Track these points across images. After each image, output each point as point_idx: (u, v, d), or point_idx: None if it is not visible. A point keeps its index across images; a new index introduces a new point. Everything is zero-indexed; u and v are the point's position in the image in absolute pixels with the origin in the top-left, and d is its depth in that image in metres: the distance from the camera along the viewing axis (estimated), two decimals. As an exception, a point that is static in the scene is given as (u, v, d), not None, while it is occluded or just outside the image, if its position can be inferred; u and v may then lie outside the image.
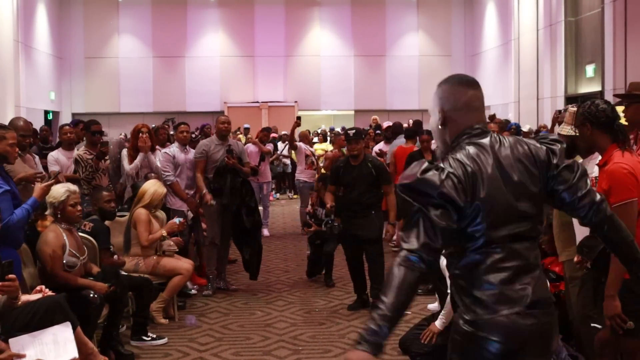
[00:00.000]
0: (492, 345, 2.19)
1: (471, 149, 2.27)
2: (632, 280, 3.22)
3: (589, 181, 2.36)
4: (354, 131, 6.41)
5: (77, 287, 4.67)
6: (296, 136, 11.38)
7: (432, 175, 2.18)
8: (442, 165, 2.22)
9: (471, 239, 2.23)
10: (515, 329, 2.19)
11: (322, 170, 10.30)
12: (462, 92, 2.35)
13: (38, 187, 4.54)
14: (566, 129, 3.90)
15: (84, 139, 7.51)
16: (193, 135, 9.16)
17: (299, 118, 10.58)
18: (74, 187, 4.97)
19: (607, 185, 3.34)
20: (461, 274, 2.29)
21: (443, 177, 2.17)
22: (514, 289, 2.21)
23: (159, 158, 7.12)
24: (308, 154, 10.79)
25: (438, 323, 4.36)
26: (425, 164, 2.23)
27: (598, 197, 2.35)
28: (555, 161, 2.31)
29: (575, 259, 3.72)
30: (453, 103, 2.35)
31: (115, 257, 5.49)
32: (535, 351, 2.24)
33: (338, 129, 17.78)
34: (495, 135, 2.34)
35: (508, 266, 2.22)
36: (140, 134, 6.96)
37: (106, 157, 7.04)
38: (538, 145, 2.33)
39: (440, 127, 2.38)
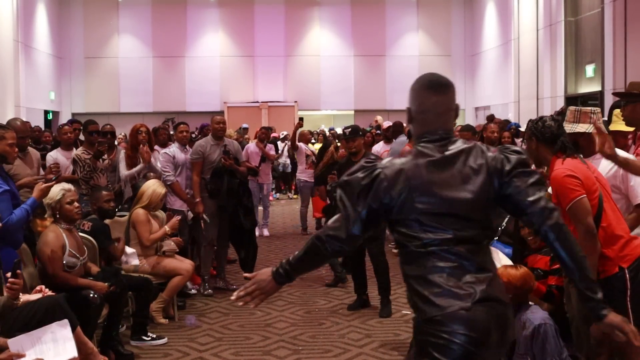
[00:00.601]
0: (458, 337, 2.24)
1: (417, 153, 2.40)
2: (615, 278, 3.37)
3: (543, 191, 2.38)
4: (350, 129, 6.38)
5: (77, 287, 4.67)
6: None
7: (361, 172, 2.38)
8: (377, 163, 2.40)
9: (411, 239, 2.35)
10: (475, 320, 2.25)
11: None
12: (426, 97, 2.43)
13: (37, 187, 4.54)
14: (568, 127, 3.90)
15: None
16: (193, 135, 9.15)
17: (301, 119, 10.63)
18: (68, 185, 4.97)
19: (554, 193, 3.48)
20: (409, 274, 2.39)
21: (373, 175, 2.36)
22: (458, 288, 2.28)
23: (158, 158, 7.11)
24: (309, 154, 10.84)
25: None
26: (361, 162, 2.43)
27: (550, 205, 2.37)
28: (507, 168, 2.36)
29: (557, 265, 3.83)
30: (417, 106, 2.45)
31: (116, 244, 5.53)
32: (495, 342, 2.31)
33: (338, 129, 17.80)
34: (459, 142, 2.42)
35: (450, 267, 2.30)
36: (139, 134, 6.98)
37: (104, 157, 7.03)
38: (497, 155, 2.39)
39: (408, 124, 2.53)
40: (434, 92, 2.43)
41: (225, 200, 6.80)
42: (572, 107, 3.92)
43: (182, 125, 7.33)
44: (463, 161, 2.37)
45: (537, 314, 3.73)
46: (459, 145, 2.40)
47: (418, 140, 2.45)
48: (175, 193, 6.93)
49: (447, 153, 2.38)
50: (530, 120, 3.78)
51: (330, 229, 2.46)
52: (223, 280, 7.14)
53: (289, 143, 12.47)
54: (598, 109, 3.88)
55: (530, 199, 2.33)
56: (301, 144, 11.04)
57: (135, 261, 5.78)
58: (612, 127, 4.50)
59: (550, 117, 3.70)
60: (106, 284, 4.80)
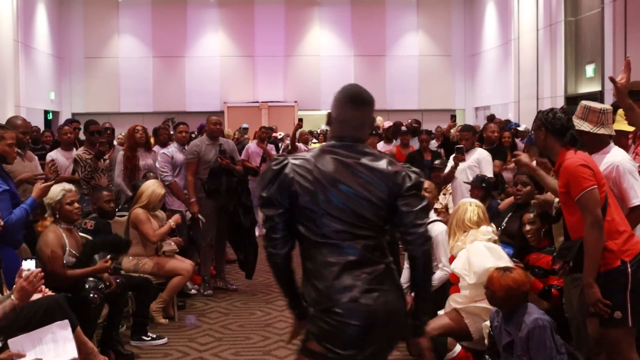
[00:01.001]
0: (348, 327, 2.50)
1: (314, 155, 2.65)
2: (618, 271, 3.44)
3: (426, 219, 2.65)
4: None
5: (81, 279, 4.69)
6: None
7: (263, 174, 2.66)
8: (288, 157, 2.65)
9: (310, 231, 2.59)
10: (363, 310, 2.50)
11: None
12: (346, 109, 2.69)
13: (37, 187, 4.54)
14: (575, 122, 3.92)
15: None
16: (192, 135, 9.16)
17: (300, 120, 10.67)
18: (69, 186, 4.97)
19: (565, 181, 3.53)
20: (306, 266, 2.63)
21: (281, 166, 2.61)
22: (345, 281, 2.52)
23: (157, 158, 7.12)
24: None
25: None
26: (272, 160, 2.69)
27: (428, 234, 2.61)
28: (406, 185, 2.59)
29: (556, 266, 3.81)
30: (337, 115, 2.71)
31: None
32: (383, 329, 2.56)
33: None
34: (367, 149, 2.66)
35: (337, 261, 2.54)
36: (136, 132, 7.03)
37: (105, 157, 7.03)
38: (400, 170, 2.63)
39: (327, 125, 2.77)
40: (353, 106, 2.69)
41: (226, 199, 6.79)
42: (583, 103, 3.93)
43: (181, 126, 7.33)
44: (368, 167, 2.60)
45: (532, 315, 3.74)
46: (367, 152, 2.65)
47: (330, 140, 2.70)
48: (173, 193, 6.92)
49: (353, 156, 2.62)
50: (540, 111, 3.83)
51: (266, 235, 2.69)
52: (222, 280, 7.14)
53: (288, 143, 12.57)
54: (609, 108, 3.89)
55: (417, 222, 2.58)
56: (300, 145, 11.08)
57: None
58: (615, 127, 4.50)
59: (560, 109, 3.77)
60: (108, 260, 4.82)
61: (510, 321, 3.79)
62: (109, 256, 4.87)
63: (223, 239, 7.10)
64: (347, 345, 2.52)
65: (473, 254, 4.40)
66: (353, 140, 2.66)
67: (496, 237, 4.61)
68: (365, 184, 2.59)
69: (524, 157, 4.11)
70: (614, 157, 3.82)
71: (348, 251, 2.55)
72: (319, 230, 2.57)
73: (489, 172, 6.43)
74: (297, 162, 2.62)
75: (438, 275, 4.89)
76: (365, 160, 2.62)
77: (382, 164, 2.62)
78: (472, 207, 4.71)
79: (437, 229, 5.04)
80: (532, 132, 3.96)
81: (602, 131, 3.81)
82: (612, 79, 4.11)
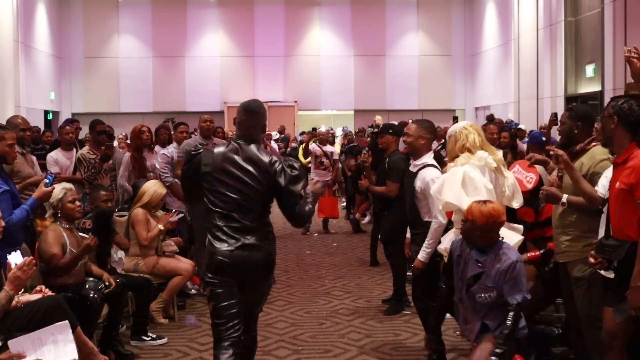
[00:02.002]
0: (223, 265, 3.67)
1: (228, 146, 3.80)
2: None
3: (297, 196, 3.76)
4: (380, 128, 6.65)
5: (74, 263, 4.74)
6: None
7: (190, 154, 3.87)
8: (203, 149, 3.83)
9: (209, 201, 3.73)
10: (233, 257, 3.66)
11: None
12: (241, 115, 3.83)
13: (39, 188, 4.53)
14: None
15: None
16: (192, 135, 9.14)
17: (314, 130, 11.09)
18: (69, 185, 5.00)
19: (635, 180, 3.38)
20: (207, 224, 3.76)
21: (196, 153, 3.81)
22: (227, 238, 3.68)
23: (157, 159, 7.12)
24: (318, 155, 11.13)
25: (421, 256, 4.68)
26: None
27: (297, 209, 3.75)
28: (282, 180, 3.68)
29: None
30: (237, 118, 3.86)
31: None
32: (252, 273, 3.72)
33: (339, 129, 17.80)
34: (252, 146, 3.74)
35: (226, 224, 3.68)
36: (142, 134, 7.03)
37: (110, 160, 7.02)
38: (279, 162, 3.71)
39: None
40: (245, 113, 3.82)
41: None
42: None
43: (181, 126, 7.32)
44: (250, 158, 3.70)
45: (512, 250, 3.79)
46: (252, 148, 3.73)
47: (235, 139, 3.82)
48: (174, 194, 6.90)
49: (242, 150, 3.72)
50: (613, 99, 3.72)
51: None
52: None
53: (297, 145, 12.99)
54: None
55: (290, 201, 3.74)
56: (313, 145, 11.31)
57: (119, 269, 5.74)
58: None
59: (637, 102, 3.61)
60: (94, 239, 4.84)
61: (485, 253, 3.80)
62: (92, 235, 4.90)
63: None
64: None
65: (447, 180, 4.30)
66: (245, 138, 3.78)
67: (495, 165, 4.37)
68: (246, 169, 3.70)
69: (565, 155, 3.86)
70: None
71: (230, 218, 3.72)
72: (214, 202, 3.77)
73: None
74: (206, 153, 3.84)
75: (433, 228, 4.67)
76: (249, 153, 3.73)
77: (263, 155, 3.73)
78: (471, 130, 4.49)
79: (429, 175, 4.78)
80: (572, 121, 3.94)
81: None
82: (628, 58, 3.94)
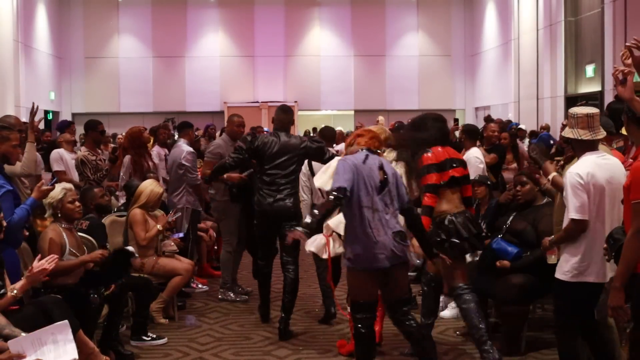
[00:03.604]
0: (264, 213, 5.54)
1: (273, 135, 5.64)
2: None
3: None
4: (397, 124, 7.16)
5: (74, 268, 4.77)
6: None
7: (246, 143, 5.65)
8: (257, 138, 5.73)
9: (262, 173, 5.59)
10: (272, 208, 5.46)
11: None
12: (278, 114, 5.76)
13: (38, 187, 4.53)
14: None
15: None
16: (196, 135, 9.17)
17: (315, 129, 11.10)
18: (69, 185, 5.00)
19: (628, 181, 3.37)
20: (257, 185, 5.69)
21: (255, 142, 5.63)
22: (270, 195, 5.46)
23: (157, 159, 7.16)
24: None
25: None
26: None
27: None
28: (313, 146, 5.60)
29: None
30: (274, 117, 5.77)
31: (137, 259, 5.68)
32: (281, 218, 5.46)
33: (339, 129, 17.79)
34: (291, 134, 5.67)
35: (271, 183, 5.48)
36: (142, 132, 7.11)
37: (104, 159, 7.06)
38: (308, 141, 5.66)
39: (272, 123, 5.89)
40: (282, 112, 5.69)
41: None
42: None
43: (237, 118, 7.33)
44: (292, 141, 5.55)
45: (389, 165, 4.36)
46: (291, 136, 5.63)
47: (274, 130, 5.67)
48: (198, 194, 6.99)
49: (285, 138, 5.53)
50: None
51: None
52: (237, 286, 7.01)
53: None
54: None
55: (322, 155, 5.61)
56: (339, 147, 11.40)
57: None
58: (624, 131, 4.48)
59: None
60: (100, 251, 4.97)
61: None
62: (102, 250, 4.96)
63: (242, 245, 6.89)
64: None
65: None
66: (284, 129, 5.69)
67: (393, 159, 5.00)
68: (290, 148, 5.57)
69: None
70: None
71: (279, 182, 5.57)
72: (269, 172, 5.67)
73: (472, 174, 6.41)
74: (263, 139, 5.67)
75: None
76: (292, 138, 5.62)
77: (298, 138, 5.64)
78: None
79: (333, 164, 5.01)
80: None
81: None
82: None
